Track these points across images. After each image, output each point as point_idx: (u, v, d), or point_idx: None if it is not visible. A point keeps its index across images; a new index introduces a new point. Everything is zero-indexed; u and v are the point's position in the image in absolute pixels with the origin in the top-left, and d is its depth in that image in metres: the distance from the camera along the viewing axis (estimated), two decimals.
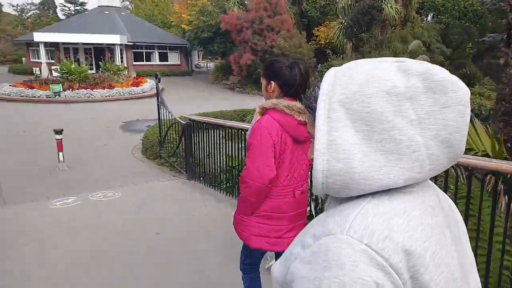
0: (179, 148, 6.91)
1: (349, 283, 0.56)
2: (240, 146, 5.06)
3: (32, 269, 3.52)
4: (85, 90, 17.02)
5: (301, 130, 1.96)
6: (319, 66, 20.46)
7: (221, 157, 5.54)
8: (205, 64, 46.55)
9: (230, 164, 5.46)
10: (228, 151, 5.31)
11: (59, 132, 6.73)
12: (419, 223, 0.63)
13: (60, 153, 6.82)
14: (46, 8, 70.14)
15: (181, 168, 6.82)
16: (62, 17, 65.13)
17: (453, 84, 0.61)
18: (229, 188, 5.55)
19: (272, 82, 2.05)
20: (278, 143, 1.96)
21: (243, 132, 4.82)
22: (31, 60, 32.38)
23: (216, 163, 5.69)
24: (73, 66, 18.58)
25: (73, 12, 64.72)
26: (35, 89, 16.70)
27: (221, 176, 5.75)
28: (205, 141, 5.89)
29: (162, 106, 7.21)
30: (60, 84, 16.82)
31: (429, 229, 0.63)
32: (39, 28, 43.40)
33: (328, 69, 0.84)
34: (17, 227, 4.58)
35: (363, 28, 19.96)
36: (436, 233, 0.64)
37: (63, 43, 28.75)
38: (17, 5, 71.68)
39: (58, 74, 19.21)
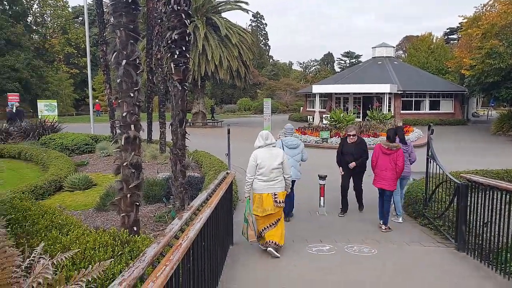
0: (449, 211, 5.85)
1: (251, 158, 5.13)
2: None
3: None
4: None
5: (384, 150, 6.25)
6: None
7: (506, 229, 4.40)
8: (485, 113, 40.70)
9: None
10: None
11: (323, 178, 7.00)
12: (262, 152, 5.11)
13: (322, 198, 7.07)
14: (325, 63, 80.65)
15: (449, 234, 5.79)
16: (338, 69, 73.08)
17: (264, 133, 5.28)
18: None
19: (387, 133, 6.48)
20: (377, 152, 6.34)
21: None
22: (307, 109, 37.44)
23: (498, 236, 4.56)
24: (341, 114, 19.97)
25: (348, 65, 71.45)
26: (307, 135, 18.79)
27: (505, 254, 4.46)
28: (483, 206, 4.85)
29: (432, 160, 6.37)
30: (328, 131, 18.30)
31: (264, 152, 5.10)
32: (317, 81, 50.11)
33: None
34: (275, 260, 4.88)
35: None
36: (266, 154, 5.09)
37: (335, 93, 31.77)
38: (303, 62, 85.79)
39: (328, 122, 21.10)
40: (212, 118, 34.52)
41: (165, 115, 13.61)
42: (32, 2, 45.68)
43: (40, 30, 47.44)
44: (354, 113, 22.68)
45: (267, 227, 5.15)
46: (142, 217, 6.54)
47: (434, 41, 47.12)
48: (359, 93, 30.54)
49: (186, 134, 6.65)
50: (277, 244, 5.10)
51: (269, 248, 5.07)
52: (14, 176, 10.26)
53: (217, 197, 3.95)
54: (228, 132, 8.44)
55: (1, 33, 35.36)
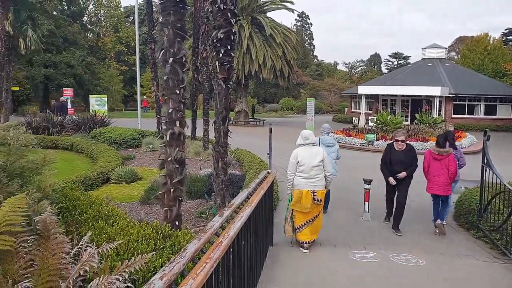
0: (507, 224, 5.42)
1: (292, 156, 5.41)
2: None
3: None
4: None
5: (435, 156, 6.11)
6: None
7: None
8: None
9: None
10: None
11: (368, 182, 6.74)
12: (302, 150, 5.38)
13: (366, 203, 6.82)
14: (372, 64, 78.42)
15: (508, 250, 5.33)
16: (385, 71, 70.78)
17: (305, 132, 5.55)
18: None
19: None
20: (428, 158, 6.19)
21: None
22: (352, 110, 36.53)
23: None
24: (388, 117, 19.26)
25: (395, 66, 68.99)
26: (351, 137, 18.30)
27: None
28: None
29: (487, 168, 5.94)
30: (374, 134, 17.72)
31: (304, 150, 5.37)
32: (363, 82, 48.81)
33: None
34: (315, 264, 4.74)
35: None
36: (307, 152, 5.34)
37: (382, 95, 30.75)
38: (348, 63, 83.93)
39: (374, 124, 20.43)
40: (253, 117, 34.62)
41: (209, 113, 13.79)
42: (88, 2, 48.28)
43: (94, 29, 50.00)
44: (401, 116, 21.81)
45: (305, 223, 5.34)
46: (184, 212, 6.63)
47: (491, 42, 44.31)
48: (407, 96, 29.33)
49: (229, 132, 6.67)
50: (309, 242, 5.37)
51: (303, 250, 5.33)
52: (66, 167, 10.83)
53: (258, 196, 3.89)
54: (270, 132, 8.40)
55: (59, 32, 37.63)
